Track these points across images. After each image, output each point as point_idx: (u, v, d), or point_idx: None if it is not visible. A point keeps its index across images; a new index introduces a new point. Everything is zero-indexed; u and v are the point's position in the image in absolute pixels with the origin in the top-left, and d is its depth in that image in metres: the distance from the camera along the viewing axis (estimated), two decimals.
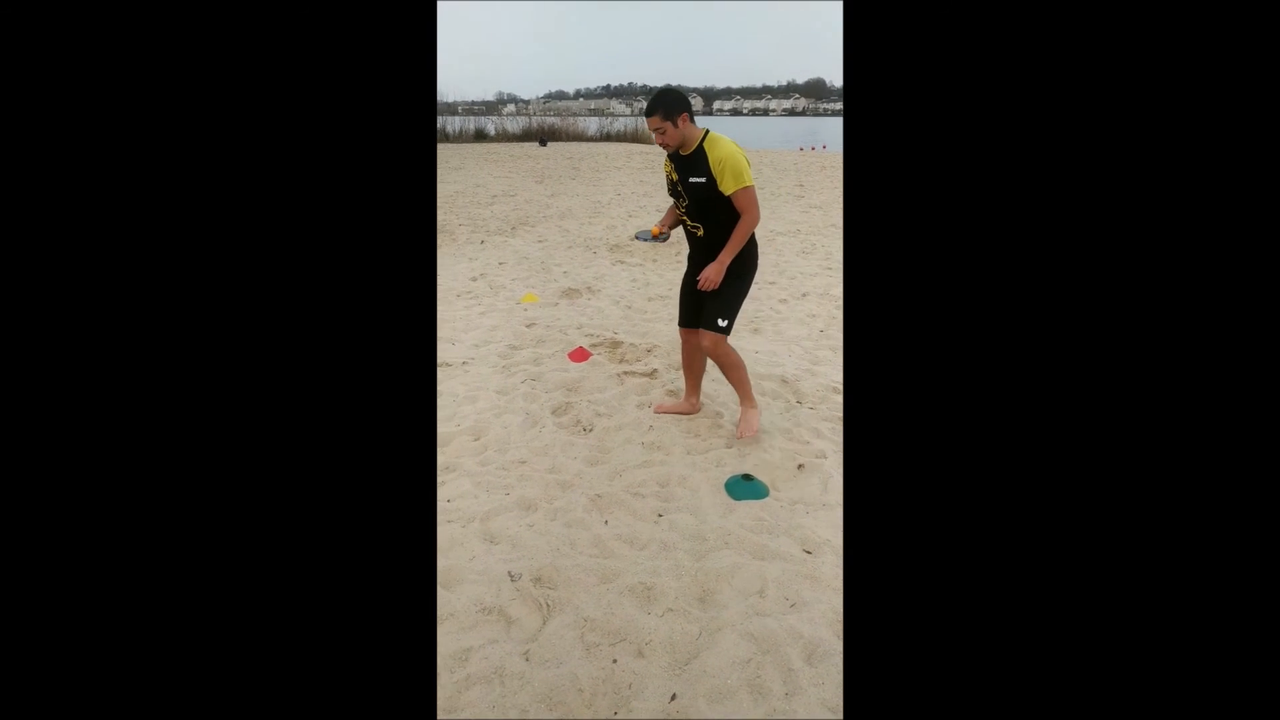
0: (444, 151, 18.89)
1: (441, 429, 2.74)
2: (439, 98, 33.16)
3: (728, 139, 2.32)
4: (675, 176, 2.40)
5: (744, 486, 2.26)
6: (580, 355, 3.47)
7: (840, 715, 1.43)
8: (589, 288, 4.92)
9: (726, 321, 2.41)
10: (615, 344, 3.68)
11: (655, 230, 2.56)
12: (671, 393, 3.01)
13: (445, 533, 2.05)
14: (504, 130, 25.84)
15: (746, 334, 3.88)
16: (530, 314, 4.28)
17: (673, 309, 4.05)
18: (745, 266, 2.43)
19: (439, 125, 25.39)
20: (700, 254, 2.48)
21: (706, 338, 2.45)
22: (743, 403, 2.61)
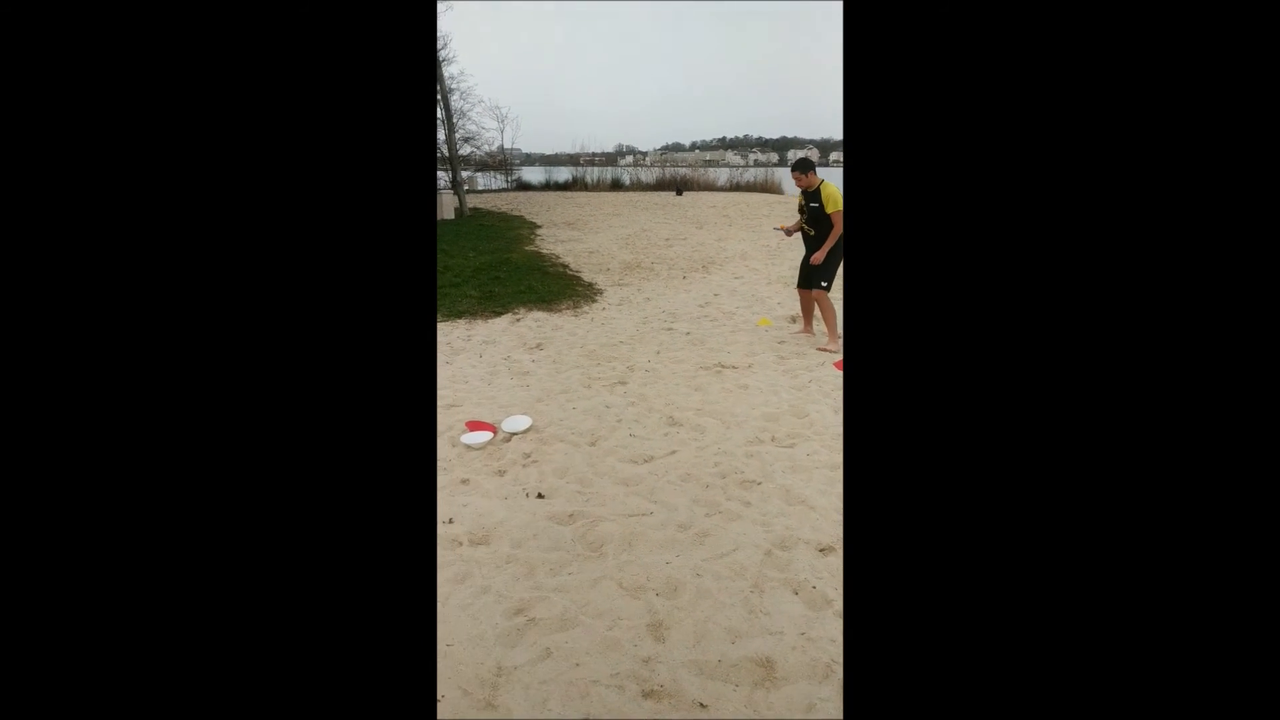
0: (592, 199, 20.54)
1: (756, 410, 3.44)
2: (579, 149, 35.66)
3: (833, 184, 4.54)
4: (802, 202, 4.74)
5: None
6: (842, 367, 4.11)
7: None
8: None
9: (827, 283, 4.66)
10: None
11: (782, 227, 5.10)
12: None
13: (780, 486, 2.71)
14: (638, 180, 27.46)
15: None
16: (774, 334, 4.98)
17: None
18: (836, 253, 4.61)
19: (580, 175, 27.53)
20: (810, 246, 4.73)
21: (815, 293, 4.70)
22: (830, 338, 4.67)
